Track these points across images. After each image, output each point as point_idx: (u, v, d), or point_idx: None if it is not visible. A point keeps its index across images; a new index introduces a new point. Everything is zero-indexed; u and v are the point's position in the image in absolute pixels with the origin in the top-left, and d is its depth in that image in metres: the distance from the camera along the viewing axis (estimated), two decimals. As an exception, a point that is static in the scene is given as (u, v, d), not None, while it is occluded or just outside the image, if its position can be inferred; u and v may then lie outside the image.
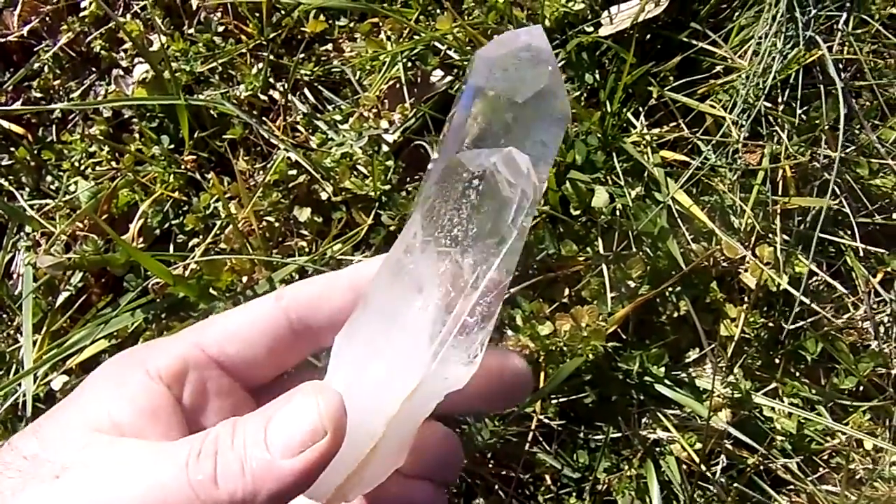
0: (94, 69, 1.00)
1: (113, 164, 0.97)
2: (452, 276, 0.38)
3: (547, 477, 0.89)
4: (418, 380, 0.38)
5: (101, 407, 0.38)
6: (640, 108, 0.97)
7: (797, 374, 0.93)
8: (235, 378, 0.43)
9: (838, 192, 0.93)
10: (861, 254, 0.93)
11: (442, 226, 0.38)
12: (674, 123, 0.95)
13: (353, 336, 0.40)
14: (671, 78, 0.96)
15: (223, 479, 0.33)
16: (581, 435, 0.90)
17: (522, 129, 0.39)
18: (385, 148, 0.95)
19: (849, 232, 0.96)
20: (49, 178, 0.99)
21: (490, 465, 0.90)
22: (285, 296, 0.43)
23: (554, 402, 0.88)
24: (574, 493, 0.89)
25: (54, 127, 1.01)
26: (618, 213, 0.90)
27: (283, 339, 0.43)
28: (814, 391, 0.92)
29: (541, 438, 0.89)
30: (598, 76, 0.97)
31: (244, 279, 0.89)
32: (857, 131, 0.98)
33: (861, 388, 0.93)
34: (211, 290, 0.88)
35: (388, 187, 0.91)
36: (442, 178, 0.39)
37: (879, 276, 0.95)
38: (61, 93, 1.00)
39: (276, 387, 0.43)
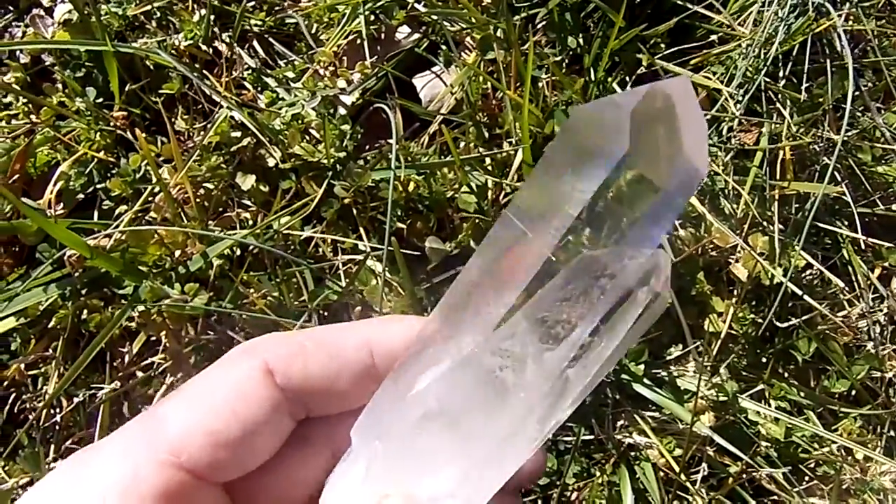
0: (9, 8, 0.88)
1: (31, 117, 0.85)
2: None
3: (510, 482, 0.81)
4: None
5: None
6: (628, 78, 0.87)
7: (786, 374, 0.86)
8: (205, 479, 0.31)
9: (839, 179, 0.85)
10: (861, 246, 0.86)
11: (545, 322, 0.29)
12: (664, 96, 0.86)
13: (397, 438, 0.31)
14: (662, 45, 0.87)
15: None
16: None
17: (641, 218, 0.29)
18: (342, 110, 0.84)
19: (846, 222, 0.88)
20: (-43, 132, 0.87)
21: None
22: (277, 370, 0.31)
23: (521, 400, 0.80)
24: (540, 500, 0.81)
25: (-36, 73, 0.88)
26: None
27: (277, 428, 0.32)
28: (802, 394, 0.84)
29: (505, 440, 0.81)
30: (581, 40, 0.87)
31: (176, 253, 0.79)
32: (859, 114, 0.90)
33: (853, 392, 0.85)
34: (137, 266, 0.77)
35: (343, 154, 0.81)
36: (570, 277, 0.29)
37: (877, 270, 0.87)
38: (-29, 33, 0.87)
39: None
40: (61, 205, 0.84)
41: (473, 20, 0.85)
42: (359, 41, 0.86)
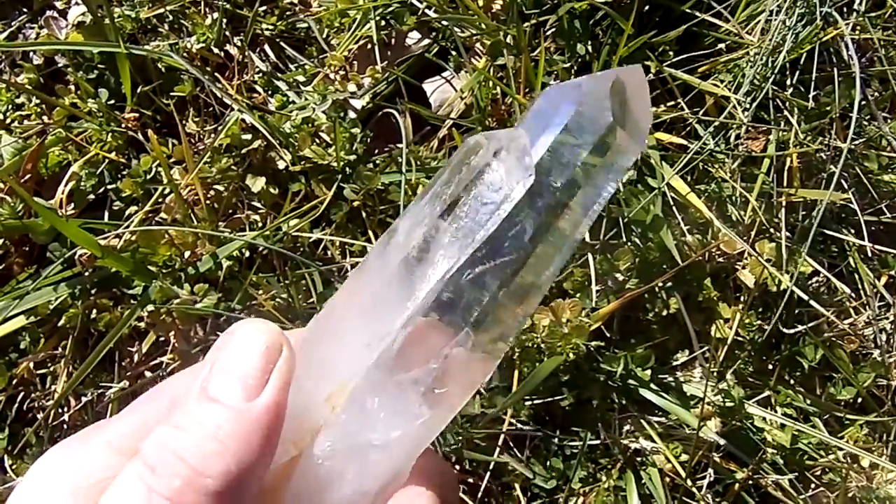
0: (24, 9, 0.89)
1: (43, 118, 0.86)
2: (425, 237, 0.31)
3: (516, 486, 0.81)
4: (355, 376, 0.30)
5: None
6: (636, 85, 0.88)
7: (792, 381, 0.86)
8: None
9: (845, 187, 0.86)
10: (868, 254, 0.86)
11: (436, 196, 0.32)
12: (672, 103, 0.87)
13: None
14: (671, 52, 0.87)
15: (202, 465, 0.25)
16: (556, 441, 0.81)
17: (593, 166, 0.31)
18: (351, 114, 0.85)
19: (852, 230, 0.89)
20: (-30, 132, 0.87)
21: (454, 472, 0.81)
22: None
23: (528, 404, 0.80)
24: (545, 505, 0.81)
25: (-22, 74, 0.89)
26: (607, 197, 0.81)
27: None
28: (809, 401, 0.84)
29: (511, 443, 0.81)
30: (590, 47, 0.88)
31: (186, 254, 0.79)
32: (865, 122, 0.91)
33: (859, 399, 0.85)
34: (147, 266, 0.78)
35: (352, 158, 0.81)
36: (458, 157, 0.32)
37: (884, 278, 0.88)
38: (-14, 34, 0.88)
39: None
40: (72, 205, 0.84)
41: (483, 26, 0.86)
42: (369, 46, 0.87)
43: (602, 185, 0.32)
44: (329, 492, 0.30)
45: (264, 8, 0.89)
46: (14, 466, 0.78)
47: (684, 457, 0.79)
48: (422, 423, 0.30)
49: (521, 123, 0.32)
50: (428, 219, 0.31)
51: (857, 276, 0.87)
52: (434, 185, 0.32)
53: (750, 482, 0.81)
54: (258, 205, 0.83)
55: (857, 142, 0.87)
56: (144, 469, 0.25)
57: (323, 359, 0.31)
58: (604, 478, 0.81)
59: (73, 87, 0.86)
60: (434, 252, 0.30)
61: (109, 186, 0.84)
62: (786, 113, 0.86)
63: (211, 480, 0.25)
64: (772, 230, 0.83)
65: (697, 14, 0.87)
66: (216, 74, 0.87)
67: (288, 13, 0.90)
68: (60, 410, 0.79)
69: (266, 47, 0.89)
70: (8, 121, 0.85)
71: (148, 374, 0.80)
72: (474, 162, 0.31)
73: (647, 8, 0.89)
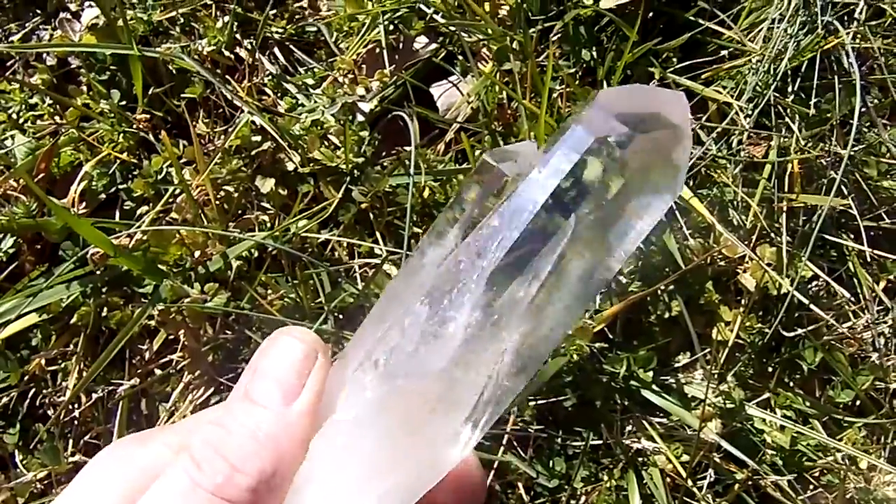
0: (38, 11, 0.90)
1: (56, 118, 0.87)
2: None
3: (519, 485, 0.82)
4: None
5: None
6: (640, 91, 0.89)
7: (792, 384, 0.87)
8: None
9: (845, 193, 0.87)
10: (867, 259, 0.87)
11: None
12: (675, 108, 0.88)
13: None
14: (674, 59, 0.88)
15: (241, 463, 0.28)
16: (559, 441, 0.82)
17: (623, 196, 0.32)
18: (360, 117, 0.86)
19: (852, 235, 0.90)
20: (-17, 131, 0.88)
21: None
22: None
23: (531, 404, 0.81)
24: (548, 504, 0.82)
25: (-9, 74, 0.90)
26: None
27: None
28: (808, 404, 0.85)
29: (515, 443, 0.82)
30: (595, 53, 0.89)
31: (196, 254, 0.80)
32: (865, 129, 0.92)
33: (857, 402, 0.87)
34: (158, 265, 0.79)
35: (361, 160, 0.83)
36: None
37: (882, 283, 0.89)
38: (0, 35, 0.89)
39: None
40: (84, 204, 0.85)
41: (490, 31, 0.87)
42: (378, 50, 0.89)
43: (627, 222, 0.31)
44: (309, 484, 0.30)
45: (274, 12, 0.90)
46: (25, 462, 0.79)
47: (685, 457, 0.80)
48: (372, 400, 0.30)
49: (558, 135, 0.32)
50: (452, 239, 0.32)
51: (856, 281, 0.89)
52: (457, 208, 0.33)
53: (750, 483, 0.82)
54: (267, 206, 0.85)
55: (857, 148, 0.88)
56: (191, 463, 0.27)
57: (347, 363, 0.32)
58: (606, 477, 0.82)
59: (85, 88, 0.88)
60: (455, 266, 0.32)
61: (121, 186, 0.85)
62: (787, 119, 0.87)
63: (250, 478, 0.27)
64: (773, 235, 0.85)
65: (701, 22, 0.88)
66: (226, 77, 0.89)
67: (297, 17, 0.91)
68: (71, 407, 0.80)
69: (276, 50, 0.91)
70: (21, 121, 0.87)
71: (158, 371, 0.81)
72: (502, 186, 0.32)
73: (651, 15, 0.90)
